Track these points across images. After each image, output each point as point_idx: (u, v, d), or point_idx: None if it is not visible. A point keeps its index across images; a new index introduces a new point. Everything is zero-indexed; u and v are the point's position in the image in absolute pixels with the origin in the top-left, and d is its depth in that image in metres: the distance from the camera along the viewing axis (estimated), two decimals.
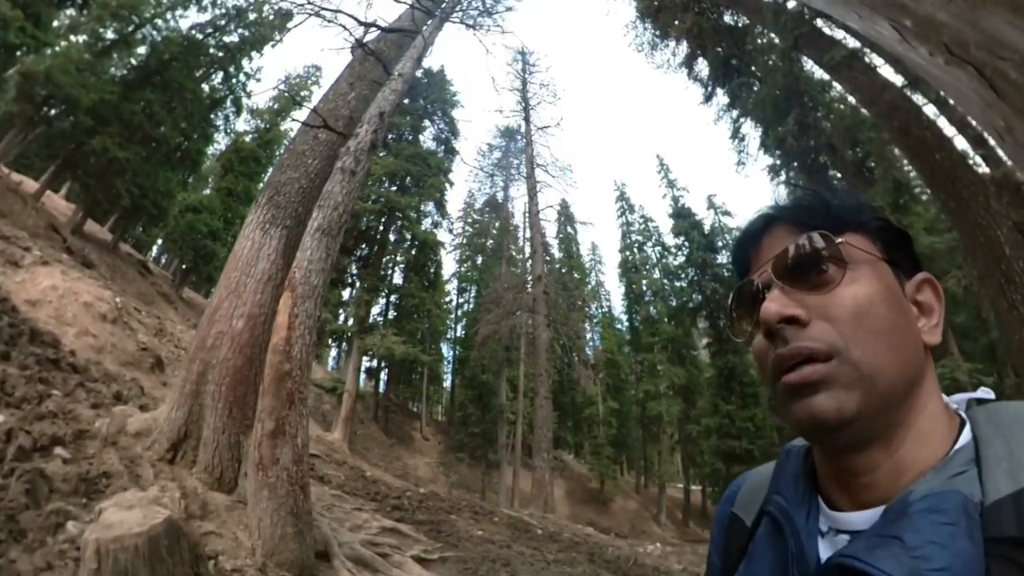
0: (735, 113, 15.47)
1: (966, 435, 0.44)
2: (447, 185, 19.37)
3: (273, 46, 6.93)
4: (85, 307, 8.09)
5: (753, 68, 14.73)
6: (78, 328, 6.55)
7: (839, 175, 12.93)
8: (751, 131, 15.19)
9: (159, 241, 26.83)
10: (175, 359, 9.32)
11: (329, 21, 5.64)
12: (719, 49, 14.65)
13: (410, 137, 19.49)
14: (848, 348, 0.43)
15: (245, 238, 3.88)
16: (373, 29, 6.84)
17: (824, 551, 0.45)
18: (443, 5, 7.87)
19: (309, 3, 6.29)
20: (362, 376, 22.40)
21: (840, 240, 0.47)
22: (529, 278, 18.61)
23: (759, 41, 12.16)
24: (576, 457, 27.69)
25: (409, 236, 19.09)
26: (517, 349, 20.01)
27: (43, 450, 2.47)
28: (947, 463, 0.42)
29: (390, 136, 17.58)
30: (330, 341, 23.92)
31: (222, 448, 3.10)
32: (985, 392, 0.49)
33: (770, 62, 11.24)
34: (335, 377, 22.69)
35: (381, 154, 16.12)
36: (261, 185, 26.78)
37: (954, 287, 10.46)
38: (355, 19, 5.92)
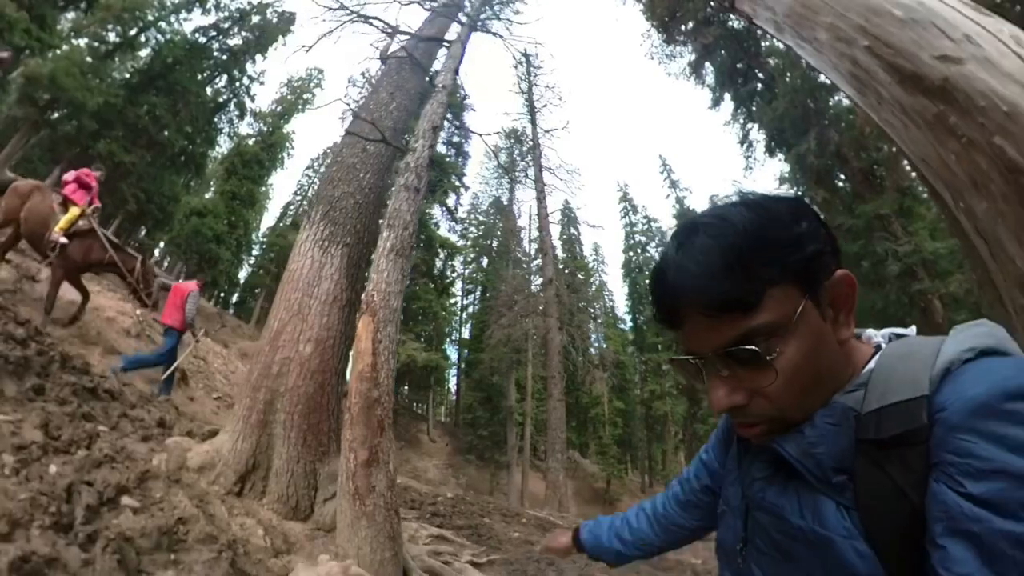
0: (743, 119, 15.52)
1: (871, 364, 0.55)
2: (462, 189, 19.35)
3: (307, 50, 6.87)
4: (108, 323, 7.96)
5: (760, 73, 14.81)
6: (103, 346, 6.33)
7: (847, 181, 13.05)
8: (758, 135, 15.29)
9: (161, 244, 26.60)
10: (195, 371, 9.25)
11: (370, 24, 5.60)
12: (724, 52, 14.73)
13: None
14: (782, 413, 0.54)
15: (302, 256, 3.73)
16: (403, 36, 6.82)
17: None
18: (466, 11, 7.86)
19: (345, 9, 6.24)
20: None
21: (756, 318, 0.50)
22: (539, 280, 18.60)
23: (777, 62, 12.18)
24: (581, 456, 27.81)
25: (423, 239, 19.03)
26: (525, 351, 20.03)
27: (110, 503, 2.23)
28: (848, 386, 0.54)
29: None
30: None
31: (297, 477, 3.05)
32: (908, 330, 0.60)
33: (787, 78, 11.25)
34: None
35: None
36: (263, 189, 26.63)
37: (956, 289, 10.57)
38: (392, 26, 5.88)
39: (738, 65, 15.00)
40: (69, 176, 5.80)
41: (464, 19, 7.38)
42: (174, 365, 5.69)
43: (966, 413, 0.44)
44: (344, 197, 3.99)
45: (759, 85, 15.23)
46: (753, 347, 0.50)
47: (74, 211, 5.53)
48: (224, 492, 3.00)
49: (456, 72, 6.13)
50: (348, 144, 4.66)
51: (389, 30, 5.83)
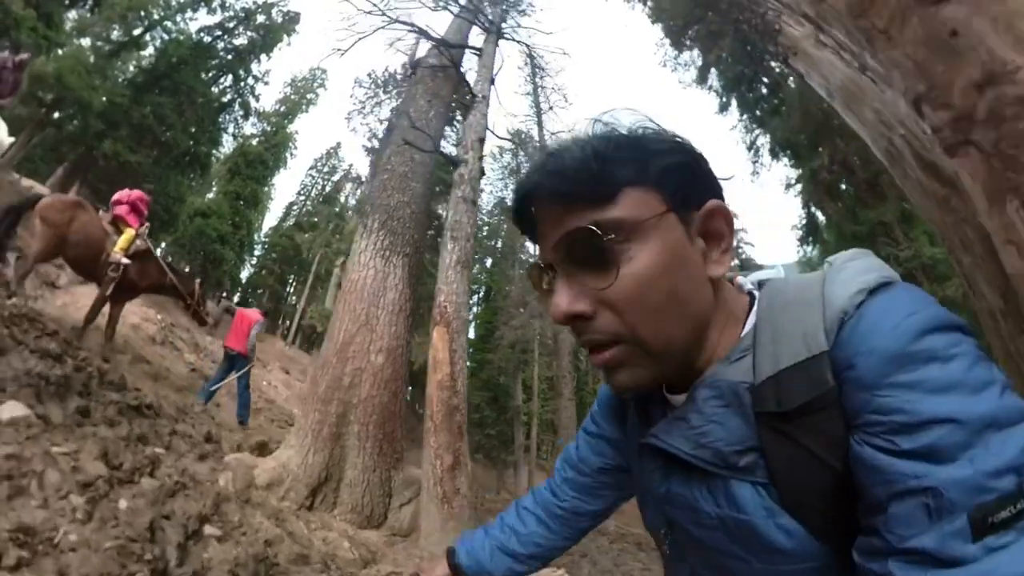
0: (747, 122, 15.66)
1: (751, 321, 0.50)
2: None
3: (342, 55, 6.83)
4: (134, 330, 7.90)
5: (765, 78, 14.96)
6: (131, 355, 6.21)
7: (852, 189, 13.26)
8: (764, 138, 15.44)
9: (162, 244, 26.41)
10: None
11: (412, 31, 5.65)
12: (730, 59, 14.86)
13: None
14: (631, 333, 0.46)
15: (364, 266, 3.76)
16: (429, 41, 6.86)
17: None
18: (491, 18, 7.91)
19: (383, 14, 6.28)
20: None
21: (608, 212, 0.45)
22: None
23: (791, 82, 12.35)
24: None
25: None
26: (532, 351, 20.12)
27: (195, 535, 2.08)
28: (731, 353, 0.49)
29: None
30: None
31: (372, 487, 3.09)
32: (772, 272, 0.57)
33: (800, 93, 11.42)
34: None
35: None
36: (266, 189, 26.47)
37: (953, 293, 10.83)
38: (433, 35, 5.94)
39: (743, 69, 15.16)
40: (122, 196, 5.52)
41: (490, 26, 7.44)
42: (223, 383, 5.88)
43: (879, 369, 0.40)
44: (400, 207, 4.04)
45: (764, 89, 15.42)
46: (593, 228, 0.44)
47: (129, 232, 5.32)
48: (296, 507, 3.02)
49: (492, 82, 6.20)
50: (396, 152, 4.72)
51: (430, 38, 5.88)
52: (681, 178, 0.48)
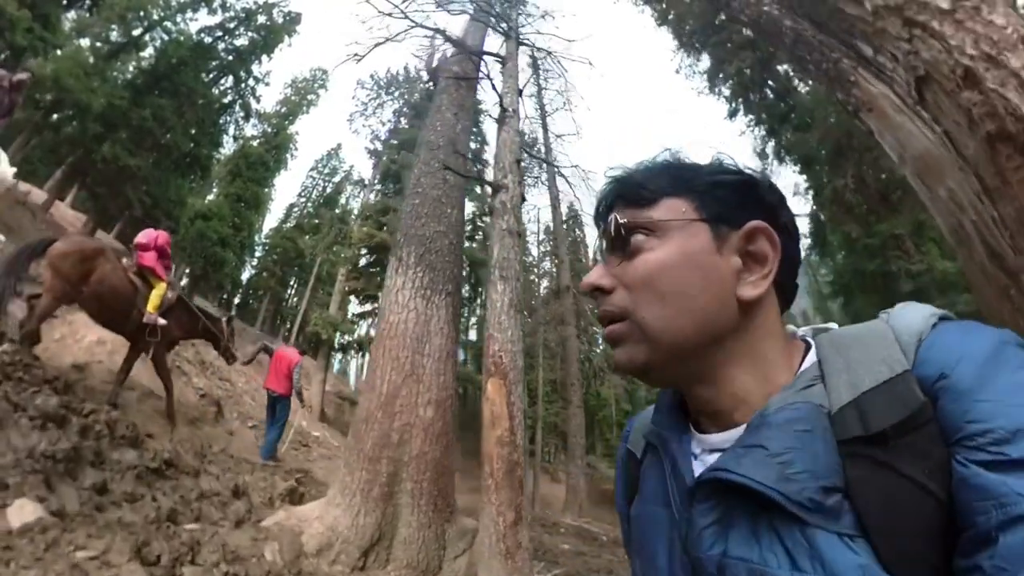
0: (754, 125, 15.58)
1: (811, 358, 0.48)
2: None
3: (359, 60, 6.62)
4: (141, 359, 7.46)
5: (772, 82, 14.88)
6: (139, 391, 5.59)
7: (864, 201, 13.22)
8: (769, 140, 15.37)
9: None
10: (226, 396, 8.90)
11: (439, 36, 5.49)
12: (741, 63, 14.78)
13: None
14: (635, 311, 0.49)
15: (403, 308, 3.51)
16: (444, 45, 6.71)
17: (698, 470, 0.49)
18: (512, 23, 7.75)
19: (405, 17, 6.13)
20: None
21: (644, 211, 0.51)
22: (544, 284, 18.52)
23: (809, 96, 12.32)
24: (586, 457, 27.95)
25: None
26: (536, 356, 20.05)
27: None
28: (796, 381, 0.46)
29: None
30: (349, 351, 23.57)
31: (428, 542, 2.96)
32: (831, 325, 0.55)
33: (820, 108, 11.37)
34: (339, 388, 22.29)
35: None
36: (267, 191, 26.18)
37: (964, 308, 10.89)
38: (459, 42, 5.79)
39: (748, 72, 15.08)
40: (145, 240, 5.04)
41: (510, 31, 7.28)
42: (282, 436, 5.88)
43: (975, 371, 0.37)
44: (437, 237, 3.85)
45: (769, 93, 15.35)
46: (625, 221, 0.51)
47: (161, 286, 4.97)
48: (348, 570, 2.87)
49: (520, 93, 6.06)
50: (426, 173, 4.55)
51: (457, 45, 5.72)
52: (721, 195, 0.51)
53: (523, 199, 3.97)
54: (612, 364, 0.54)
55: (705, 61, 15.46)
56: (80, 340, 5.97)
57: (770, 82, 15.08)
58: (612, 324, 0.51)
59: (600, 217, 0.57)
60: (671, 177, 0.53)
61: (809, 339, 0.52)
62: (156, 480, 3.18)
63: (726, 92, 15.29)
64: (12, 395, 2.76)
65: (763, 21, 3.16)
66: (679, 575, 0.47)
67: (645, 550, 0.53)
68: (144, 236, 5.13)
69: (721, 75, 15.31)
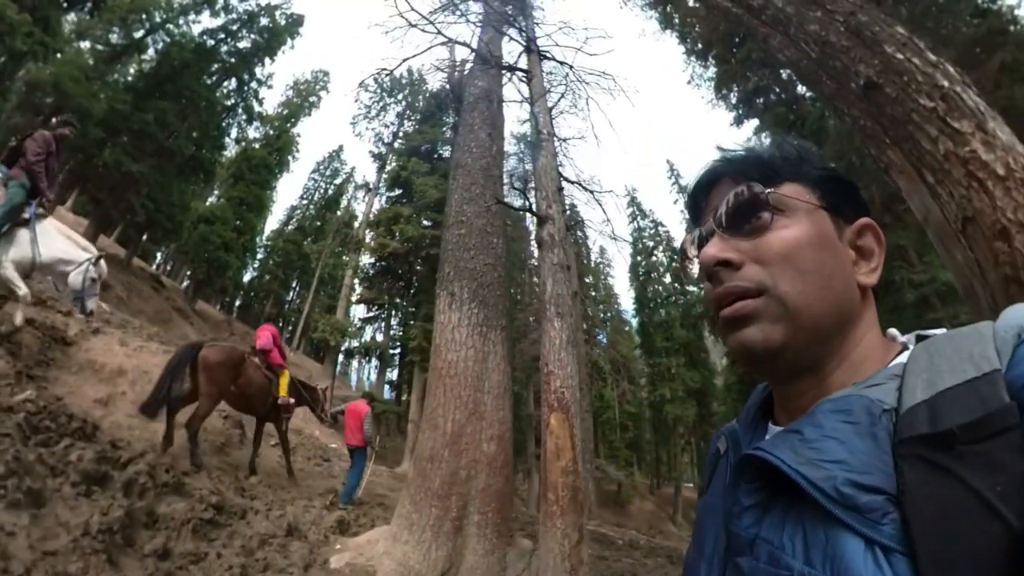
0: (758, 132, 15.63)
1: (900, 359, 0.45)
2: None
3: (388, 74, 6.62)
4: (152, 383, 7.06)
5: (776, 88, 14.93)
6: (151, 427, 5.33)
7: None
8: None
9: (163, 248, 25.86)
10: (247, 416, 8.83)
11: (471, 50, 5.43)
12: (748, 73, 14.81)
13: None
14: (775, 285, 0.47)
15: (461, 345, 3.58)
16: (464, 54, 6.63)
17: None
18: (533, 35, 7.69)
19: (438, 32, 6.07)
20: (386, 389, 22.17)
21: (772, 190, 0.50)
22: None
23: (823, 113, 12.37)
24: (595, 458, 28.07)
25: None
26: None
27: None
28: (869, 378, 0.44)
29: (434, 156, 17.19)
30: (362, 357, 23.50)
31: (491, 566, 3.07)
32: (938, 331, 0.51)
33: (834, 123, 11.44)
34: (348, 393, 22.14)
35: (429, 176, 15.74)
36: (269, 193, 25.97)
37: (967, 319, 11.03)
38: (491, 56, 5.73)
39: (753, 77, 15.12)
40: (265, 341, 6.07)
41: (531, 44, 7.23)
42: (363, 482, 6.42)
43: None
44: (486, 271, 3.88)
45: (772, 97, 15.39)
46: (759, 189, 0.50)
47: (286, 375, 6.19)
48: None
49: (550, 112, 6.02)
50: (468, 200, 4.53)
51: (487, 61, 5.67)
52: (835, 188, 0.52)
53: (568, 229, 3.95)
54: (733, 347, 0.48)
55: (711, 70, 15.49)
56: (100, 371, 5.86)
57: (776, 88, 15.16)
58: (743, 300, 0.48)
59: (703, 192, 0.56)
60: (786, 161, 0.53)
61: (910, 344, 0.49)
62: (211, 530, 3.16)
63: (732, 100, 15.34)
64: (46, 456, 2.67)
65: (803, 65, 3.14)
66: (719, 554, 0.47)
67: (698, 536, 0.53)
68: (264, 341, 6.15)
69: (730, 87, 15.33)
